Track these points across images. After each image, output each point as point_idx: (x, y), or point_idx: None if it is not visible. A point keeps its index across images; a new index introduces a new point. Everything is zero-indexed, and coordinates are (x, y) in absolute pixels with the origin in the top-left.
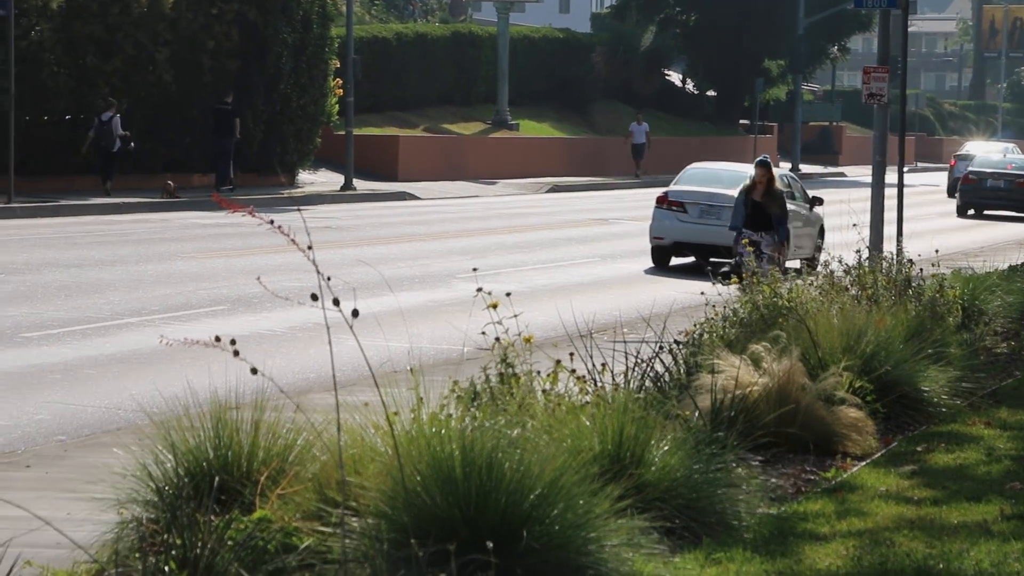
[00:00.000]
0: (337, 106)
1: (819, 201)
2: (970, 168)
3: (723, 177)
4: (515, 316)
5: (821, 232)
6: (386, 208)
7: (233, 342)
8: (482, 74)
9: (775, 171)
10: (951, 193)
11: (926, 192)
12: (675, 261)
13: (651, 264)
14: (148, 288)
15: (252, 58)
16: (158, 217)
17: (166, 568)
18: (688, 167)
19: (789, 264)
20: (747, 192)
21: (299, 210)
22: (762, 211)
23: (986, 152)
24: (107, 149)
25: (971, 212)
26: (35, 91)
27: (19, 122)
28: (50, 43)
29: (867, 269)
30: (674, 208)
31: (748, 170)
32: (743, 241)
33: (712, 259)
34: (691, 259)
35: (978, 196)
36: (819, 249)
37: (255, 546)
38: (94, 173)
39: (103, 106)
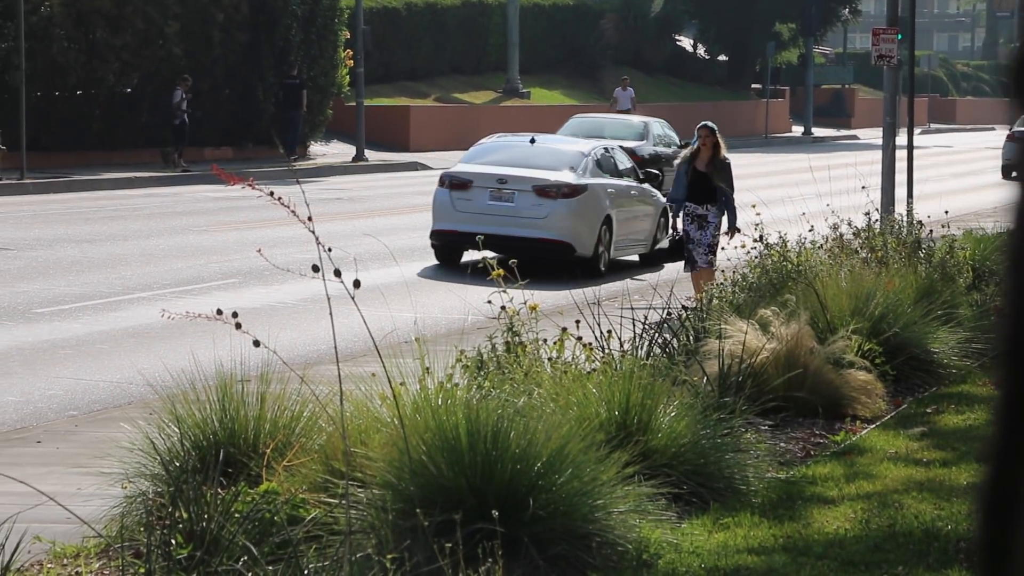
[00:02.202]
0: (348, 77)
1: (653, 176)
2: (1016, 127)
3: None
4: (521, 284)
5: (664, 216)
6: (398, 179)
7: (235, 315)
8: (492, 43)
9: (720, 138)
10: (1008, 174)
11: (938, 153)
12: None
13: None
14: (159, 262)
15: (261, 30)
16: (169, 191)
17: (172, 542)
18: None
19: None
20: (689, 161)
21: (298, 182)
22: (707, 182)
23: None
24: (171, 124)
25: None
26: (46, 67)
27: (30, 98)
28: (60, 18)
29: (876, 231)
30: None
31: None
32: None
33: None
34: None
35: None
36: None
37: (261, 518)
38: (105, 148)
39: (177, 81)
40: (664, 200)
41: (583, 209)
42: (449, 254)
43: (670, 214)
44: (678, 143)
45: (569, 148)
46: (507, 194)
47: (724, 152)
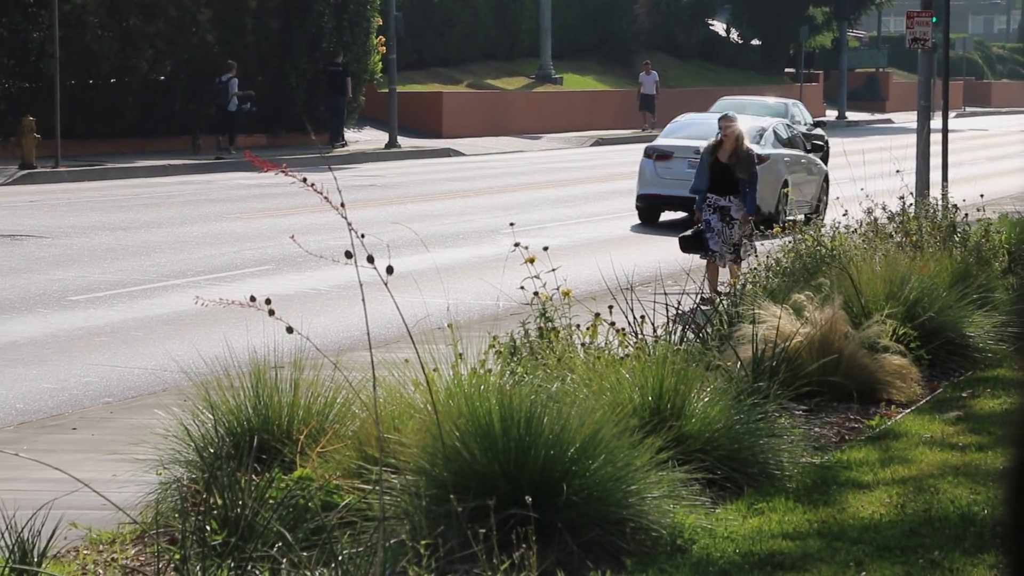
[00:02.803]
0: (380, 64)
1: (820, 147)
2: None
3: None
4: (553, 270)
5: (826, 182)
6: (431, 165)
7: (268, 301)
8: (525, 28)
9: (743, 128)
10: None
11: (973, 137)
12: None
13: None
14: (193, 249)
15: (294, 17)
16: (203, 179)
17: (207, 528)
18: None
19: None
20: (712, 151)
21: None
22: (730, 173)
23: None
24: (224, 108)
25: None
26: (80, 55)
27: (64, 86)
28: (93, 6)
29: (911, 215)
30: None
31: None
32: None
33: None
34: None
35: None
36: (823, 204)
37: (295, 504)
38: (138, 136)
39: (225, 67)
40: (826, 168)
41: (767, 175)
42: (651, 215)
43: (755, 193)
44: (811, 122)
45: (753, 123)
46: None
47: (747, 143)
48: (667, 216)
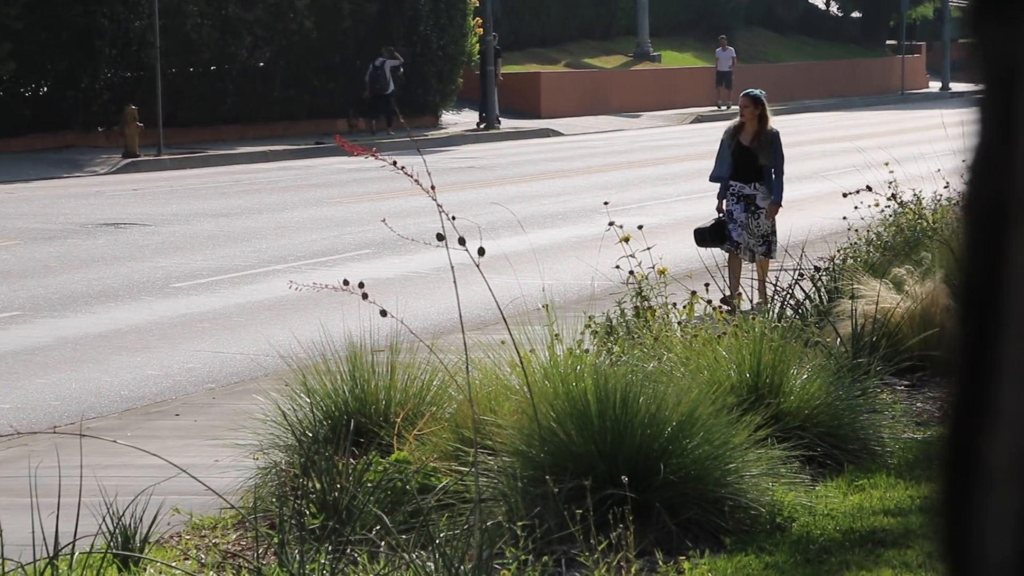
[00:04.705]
0: (477, 45)
1: None
2: None
3: None
4: (648, 249)
5: None
6: (529, 145)
7: (361, 285)
8: (622, 6)
9: (767, 107)
10: None
11: None
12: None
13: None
14: (294, 235)
15: (391, 1)
16: (303, 164)
17: (306, 512)
18: None
19: None
20: (734, 134)
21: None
22: (754, 158)
23: None
24: (381, 92)
25: None
26: (180, 43)
27: (165, 75)
28: None
29: None
30: None
31: None
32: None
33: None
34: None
35: None
36: None
37: (393, 487)
38: (239, 122)
39: (383, 53)
40: None
41: None
42: None
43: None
44: None
45: None
46: None
47: (771, 123)
48: None
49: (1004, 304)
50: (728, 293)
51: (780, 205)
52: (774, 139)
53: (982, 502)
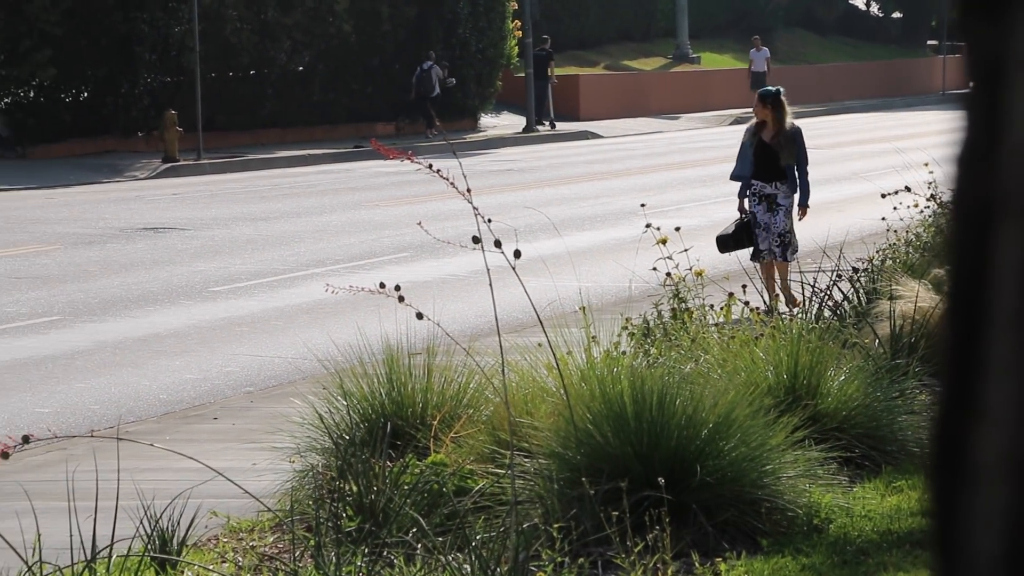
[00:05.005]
0: (516, 48)
1: None
2: None
3: None
4: (686, 251)
5: None
6: (568, 148)
7: (398, 288)
8: (661, 8)
9: (785, 104)
10: None
11: None
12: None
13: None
14: (333, 238)
15: (429, 4)
16: (342, 168)
17: (342, 514)
18: None
19: None
20: (755, 132)
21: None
22: (776, 156)
23: None
24: (427, 95)
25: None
26: (219, 48)
27: (205, 79)
28: (232, 0)
29: None
30: None
31: None
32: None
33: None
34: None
35: None
36: None
37: (430, 490)
38: (278, 126)
39: (426, 56)
40: None
41: None
42: None
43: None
44: None
45: None
46: None
47: (791, 120)
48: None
49: (990, 302)
50: (767, 303)
51: (808, 207)
52: (795, 136)
53: (970, 500)
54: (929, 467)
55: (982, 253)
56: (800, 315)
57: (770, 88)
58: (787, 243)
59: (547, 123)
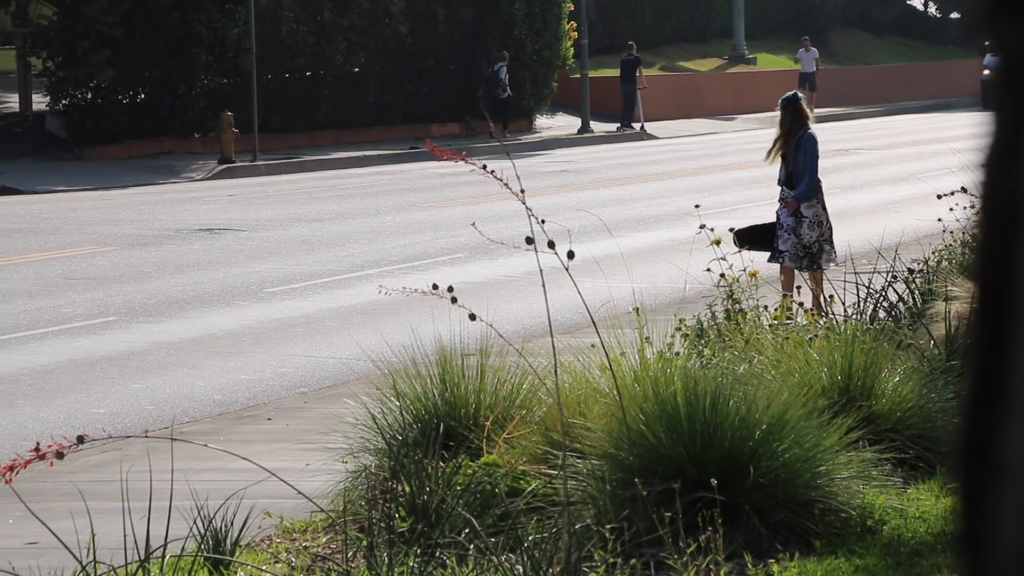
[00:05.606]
0: (572, 49)
1: None
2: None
3: None
4: (739, 251)
5: None
6: (623, 149)
7: (450, 289)
8: (717, 8)
9: (804, 108)
10: None
11: None
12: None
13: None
14: (387, 239)
15: (485, 5)
16: (397, 169)
17: (395, 515)
18: None
19: None
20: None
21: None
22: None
23: None
24: (496, 97)
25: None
26: (276, 49)
27: (261, 81)
28: (288, 1)
29: None
30: None
31: None
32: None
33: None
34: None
35: None
36: None
37: (482, 491)
38: (334, 128)
39: (496, 57)
40: None
41: None
42: None
43: None
44: None
45: None
46: None
47: (810, 124)
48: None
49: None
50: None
51: (798, 200)
52: (804, 142)
53: (997, 496)
54: (955, 465)
55: (1008, 253)
56: (855, 316)
57: (789, 93)
58: (814, 254)
59: (637, 126)
